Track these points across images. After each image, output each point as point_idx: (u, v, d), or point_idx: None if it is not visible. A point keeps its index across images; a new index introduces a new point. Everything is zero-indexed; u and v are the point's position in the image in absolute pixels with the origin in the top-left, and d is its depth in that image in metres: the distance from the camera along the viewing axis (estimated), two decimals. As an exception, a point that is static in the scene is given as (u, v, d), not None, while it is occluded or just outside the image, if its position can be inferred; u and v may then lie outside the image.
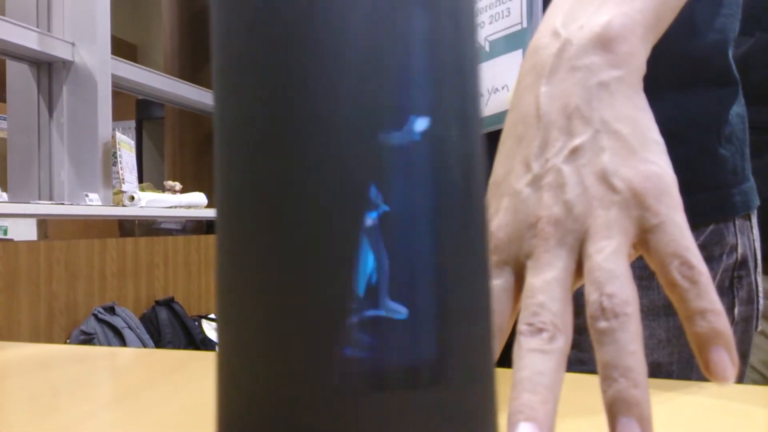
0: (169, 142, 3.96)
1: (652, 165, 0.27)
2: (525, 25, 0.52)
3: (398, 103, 0.19)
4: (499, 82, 0.55)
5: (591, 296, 0.25)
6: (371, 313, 0.18)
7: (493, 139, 0.34)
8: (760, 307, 0.61)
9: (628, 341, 0.24)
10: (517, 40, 0.53)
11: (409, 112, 0.19)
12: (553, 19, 0.32)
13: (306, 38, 0.18)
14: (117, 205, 2.42)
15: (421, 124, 0.19)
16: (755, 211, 0.62)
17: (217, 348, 0.20)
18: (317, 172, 0.18)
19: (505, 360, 0.32)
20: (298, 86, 0.18)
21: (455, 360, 0.19)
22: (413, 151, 0.19)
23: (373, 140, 0.18)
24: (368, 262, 0.18)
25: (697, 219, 0.56)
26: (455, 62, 0.20)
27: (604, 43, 0.30)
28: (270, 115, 0.19)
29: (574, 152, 0.28)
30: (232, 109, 0.19)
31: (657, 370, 0.56)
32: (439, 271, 0.19)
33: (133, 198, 2.39)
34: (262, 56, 0.19)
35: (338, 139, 0.18)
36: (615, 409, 0.23)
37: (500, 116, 0.54)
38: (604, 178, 0.27)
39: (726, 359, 0.24)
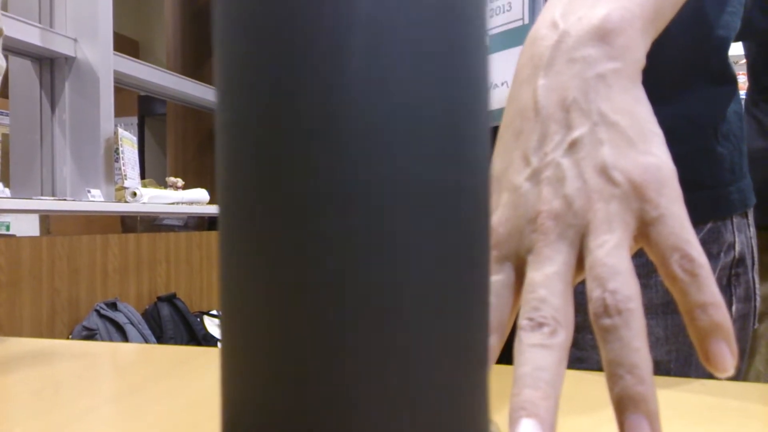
0: (171, 138, 3.96)
1: (651, 157, 0.27)
2: (527, 21, 0.52)
3: (417, 93, 0.19)
4: (498, 78, 0.54)
5: (593, 293, 0.25)
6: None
7: (492, 135, 0.34)
8: (758, 305, 0.61)
9: (632, 338, 0.24)
10: (517, 37, 0.53)
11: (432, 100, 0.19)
12: (552, 10, 0.32)
13: (310, 33, 0.18)
14: (119, 201, 2.42)
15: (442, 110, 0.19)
16: (752, 209, 0.62)
17: (220, 345, 0.20)
18: (324, 166, 0.18)
19: (506, 356, 0.32)
20: (301, 82, 0.18)
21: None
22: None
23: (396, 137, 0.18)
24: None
25: (695, 217, 0.55)
26: (473, 54, 0.20)
27: (601, 35, 0.29)
28: (273, 111, 0.18)
29: (573, 145, 0.28)
30: (235, 105, 0.19)
31: (655, 368, 0.56)
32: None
33: (135, 194, 2.39)
34: (265, 51, 0.19)
35: (346, 135, 0.18)
36: (623, 407, 0.23)
37: (500, 112, 0.54)
38: (604, 171, 0.27)
39: (725, 351, 0.24)
